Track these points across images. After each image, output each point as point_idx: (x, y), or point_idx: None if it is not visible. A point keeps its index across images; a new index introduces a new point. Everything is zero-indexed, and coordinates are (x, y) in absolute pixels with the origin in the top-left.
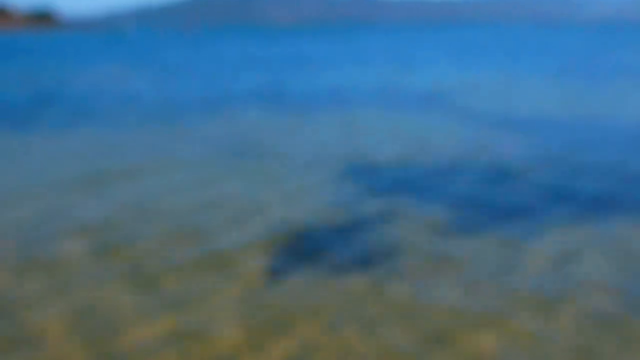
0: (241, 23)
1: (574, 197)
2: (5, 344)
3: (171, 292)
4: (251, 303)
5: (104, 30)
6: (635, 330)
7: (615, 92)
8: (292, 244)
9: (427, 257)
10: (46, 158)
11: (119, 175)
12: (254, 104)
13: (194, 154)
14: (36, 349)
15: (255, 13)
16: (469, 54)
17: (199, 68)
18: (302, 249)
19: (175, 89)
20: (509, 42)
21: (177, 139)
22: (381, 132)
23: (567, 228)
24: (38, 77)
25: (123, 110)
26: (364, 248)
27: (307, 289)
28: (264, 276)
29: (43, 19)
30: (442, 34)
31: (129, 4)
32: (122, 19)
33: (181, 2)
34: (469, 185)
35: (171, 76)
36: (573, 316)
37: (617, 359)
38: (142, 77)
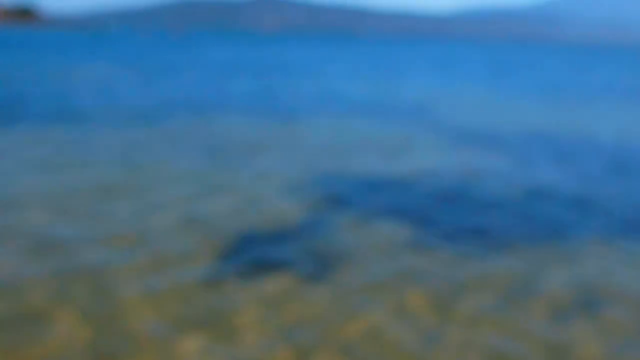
0: (226, 28)
1: (538, 217)
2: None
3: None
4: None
5: (86, 29)
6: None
7: (597, 110)
8: (241, 250)
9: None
10: (18, 163)
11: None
12: (238, 109)
13: (168, 157)
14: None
15: (240, 19)
16: (453, 69)
17: (184, 70)
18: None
19: (159, 90)
20: (492, 59)
21: (155, 142)
22: (361, 143)
23: (529, 248)
24: (17, 74)
25: (104, 112)
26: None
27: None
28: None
29: (24, 14)
30: (426, 47)
31: (112, 4)
32: (104, 18)
33: (165, 4)
34: (433, 201)
35: (155, 78)
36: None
37: None
38: (126, 77)
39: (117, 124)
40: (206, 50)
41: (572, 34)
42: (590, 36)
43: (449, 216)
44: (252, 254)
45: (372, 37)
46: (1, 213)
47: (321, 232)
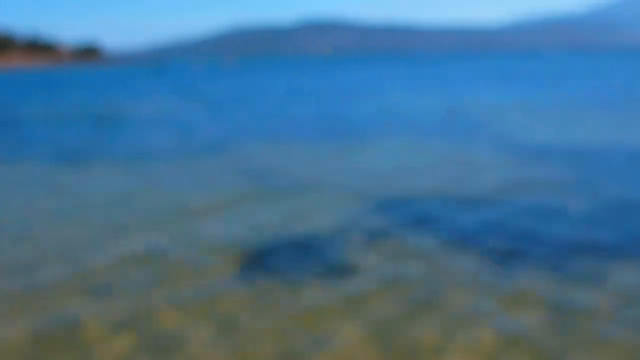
0: (278, 54)
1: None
2: None
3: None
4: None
5: (147, 64)
6: None
7: None
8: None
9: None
10: (111, 195)
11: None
12: (310, 134)
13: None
14: None
15: (291, 43)
16: (515, 82)
17: (249, 99)
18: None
19: (229, 120)
20: (552, 70)
21: (230, 171)
22: (439, 161)
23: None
24: (94, 111)
25: (181, 144)
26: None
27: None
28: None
29: (89, 53)
30: (482, 62)
31: (170, 38)
32: (163, 52)
33: (218, 34)
34: (529, 217)
35: (223, 108)
36: None
37: None
38: (195, 109)
39: (194, 155)
40: (262, 77)
41: (633, 39)
42: None
43: (550, 233)
44: (360, 274)
45: (425, 55)
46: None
47: (421, 253)
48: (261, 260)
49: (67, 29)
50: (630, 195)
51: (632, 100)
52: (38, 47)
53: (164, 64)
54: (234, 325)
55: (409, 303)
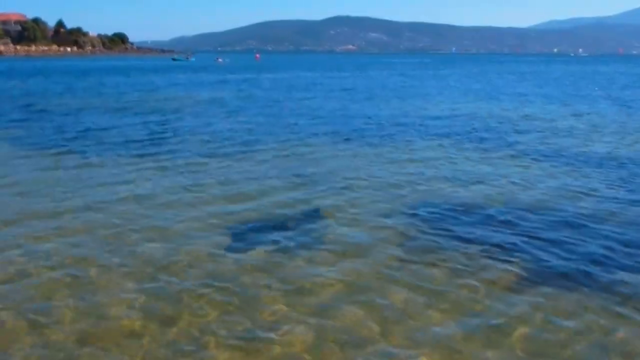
0: (306, 49)
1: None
2: None
3: None
4: None
5: (170, 55)
6: None
7: None
8: None
9: None
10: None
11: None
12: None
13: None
14: None
15: (319, 38)
16: (565, 86)
17: (306, 98)
18: None
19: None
20: (593, 76)
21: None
22: (472, 169)
23: None
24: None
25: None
26: None
27: None
28: None
29: (117, 43)
30: (518, 64)
31: (192, 31)
32: (185, 45)
33: (244, 27)
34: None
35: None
36: None
37: None
38: (253, 105)
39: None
40: (298, 74)
41: None
42: None
43: None
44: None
45: (459, 55)
46: None
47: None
48: None
49: (92, 22)
50: None
51: None
52: (67, 36)
53: (186, 57)
54: None
55: None
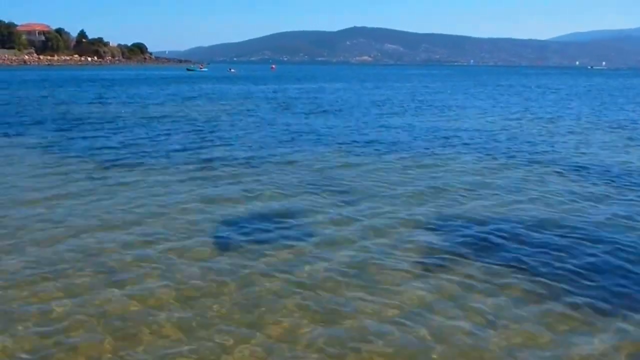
0: (318, 60)
1: None
2: None
3: None
4: None
5: (187, 65)
6: None
7: None
8: None
9: None
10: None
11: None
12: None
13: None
14: None
15: (336, 49)
16: (594, 101)
17: (338, 111)
18: None
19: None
20: (626, 90)
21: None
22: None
23: None
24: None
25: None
26: None
27: None
28: None
29: (136, 53)
30: (548, 77)
31: (208, 42)
32: (201, 55)
33: (260, 37)
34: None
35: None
36: None
37: None
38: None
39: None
40: (321, 85)
41: None
42: None
43: None
44: None
45: (478, 67)
46: None
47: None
48: None
49: (113, 32)
50: None
51: None
52: (89, 46)
53: (198, 67)
54: None
55: None
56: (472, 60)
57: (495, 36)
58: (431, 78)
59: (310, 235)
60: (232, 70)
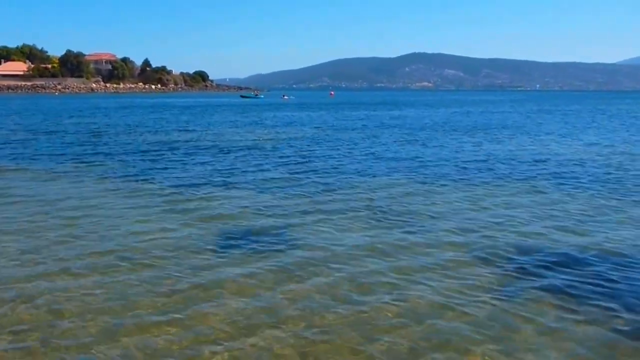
0: (377, 87)
1: None
2: None
3: None
4: None
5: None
6: None
7: None
8: None
9: None
10: None
11: None
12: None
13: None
14: None
15: (395, 74)
16: None
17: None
18: None
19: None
20: None
21: None
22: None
23: None
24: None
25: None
26: None
27: None
28: None
29: (200, 81)
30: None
31: (268, 69)
32: (261, 82)
33: (320, 64)
34: None
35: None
36: None
37: None
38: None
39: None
40: (390, 112)
41: None
42: None
43: None
44: None
45: (545, 92)
46: None
47: None
48: None
49: (175, 60)
50: None
51: None
52: (153, 74)
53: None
54: None
55: None
56: (537, 85)
57: (558, 60)
58: (510, 104)
59: None
60: (285, 97)
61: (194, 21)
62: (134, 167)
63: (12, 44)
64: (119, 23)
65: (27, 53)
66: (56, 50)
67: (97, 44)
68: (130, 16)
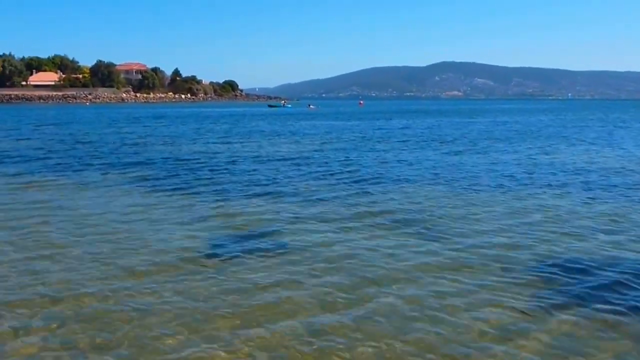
0: (406, 96)
1: None
2: None
3: None
4: None
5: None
6: None
7: None
8: None
9: None
10: None
11: None
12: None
13: None
14: None
15: (425, 83)
16: None
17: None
18: None
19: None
20: None
21: None
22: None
23: None
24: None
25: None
26: None
27: None
28: None
29: (231, 90)
30: None
31: (297, 79)
32: (290, 91)
33: (346, 74)
34: None
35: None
36: None
37: None
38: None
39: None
40: (423, 121)
41: None
42: None
43: None
44: None
45: (577, 100)
46: None
47: None
48: None
49: (205, 70)
50: None
51: None
52: (183, 84)
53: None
54: None
55: None
56: (569, 94)
57: (590, 69)
58: (544, 113)
59: None
60: (312, 107)
61: (223, 30)
62: (187, 178)
63: (44, 54)
64: (149, 32)
65: (59, 63)
66: (87, 60)
67: (127, 54)
68: (161, 26)
